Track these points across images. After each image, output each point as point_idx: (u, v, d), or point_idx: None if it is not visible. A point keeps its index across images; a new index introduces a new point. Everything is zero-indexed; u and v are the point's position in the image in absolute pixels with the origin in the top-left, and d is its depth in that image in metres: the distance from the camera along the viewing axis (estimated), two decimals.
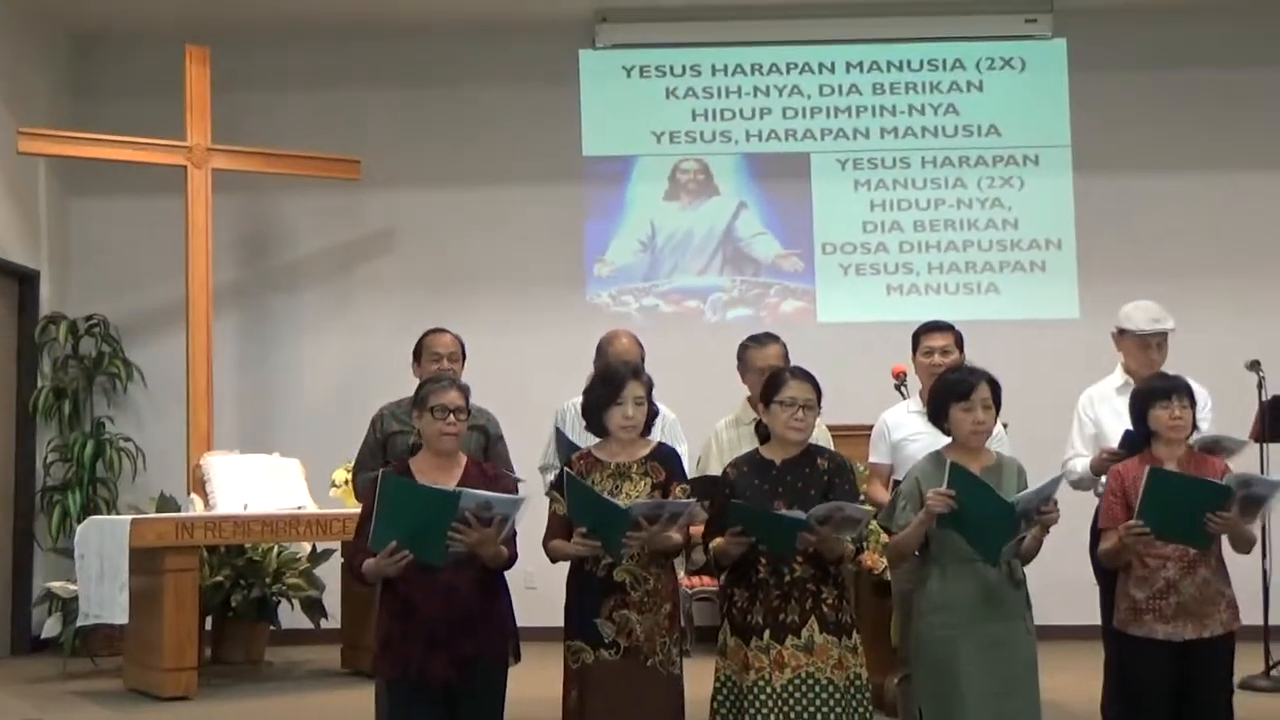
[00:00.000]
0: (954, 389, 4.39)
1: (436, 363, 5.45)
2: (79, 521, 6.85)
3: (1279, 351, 6.57)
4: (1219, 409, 5.18)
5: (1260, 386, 6.36)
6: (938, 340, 5.27)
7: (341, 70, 8.63)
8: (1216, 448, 4.67)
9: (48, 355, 8.35)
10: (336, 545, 7.18)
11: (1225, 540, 4.36)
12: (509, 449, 5.48)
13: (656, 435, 4.84)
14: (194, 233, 7.75)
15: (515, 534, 4.28)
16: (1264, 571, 5.99)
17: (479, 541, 4.12)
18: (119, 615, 6.16)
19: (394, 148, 8.51)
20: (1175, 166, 8.45)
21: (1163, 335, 5.28)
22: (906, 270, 8.55)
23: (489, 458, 5.30)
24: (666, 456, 4.48)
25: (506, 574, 4.40)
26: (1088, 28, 8.48)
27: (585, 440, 4.77)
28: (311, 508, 6.96)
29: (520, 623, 4.48)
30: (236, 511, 6.68)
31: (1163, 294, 5.64)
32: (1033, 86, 8.63)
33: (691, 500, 4.32)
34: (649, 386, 4.50)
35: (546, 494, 4.77)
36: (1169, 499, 4.22)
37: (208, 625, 7.24)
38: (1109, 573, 4.77)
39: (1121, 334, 5.37)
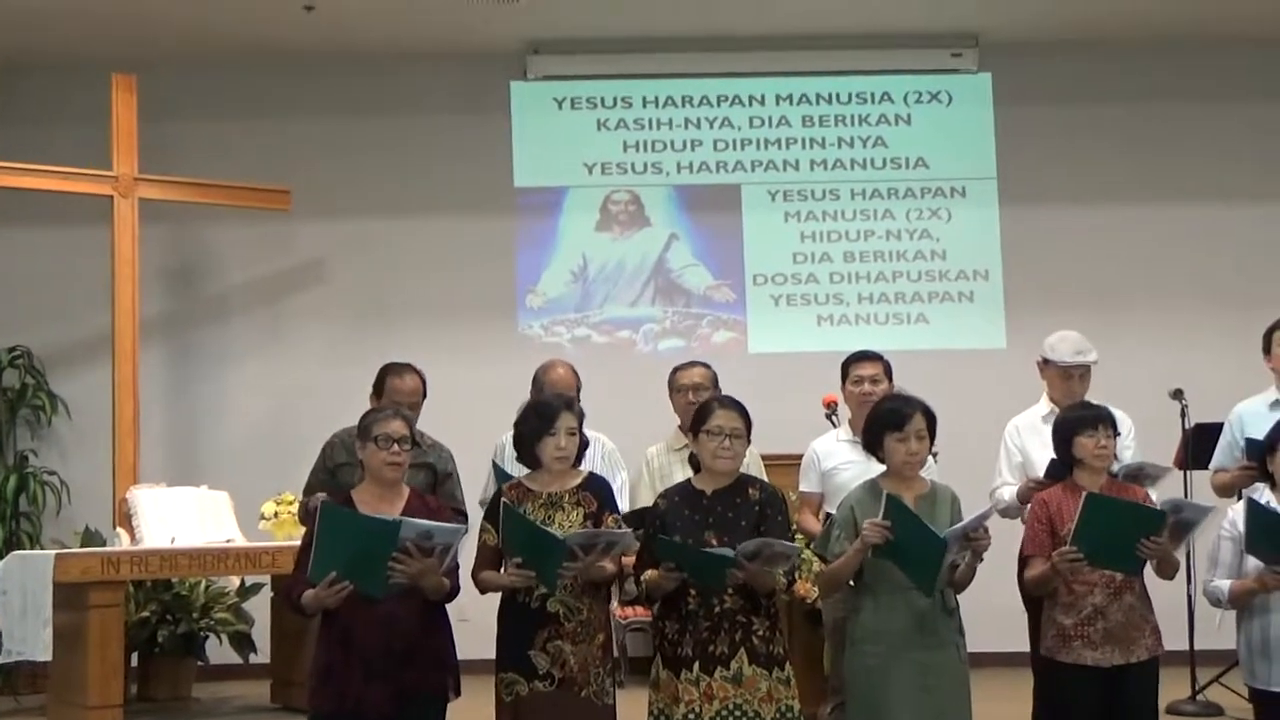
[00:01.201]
0: (888, 419, 4.42)
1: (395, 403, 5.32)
2: (1, 556, 6.72)
3: (1201, 380, 6.67)
4: (1142, 437, 5.26)
5: (1183, 415, 6.46)
6: (867, 369, 5.33)
7: (271, 99, 8.59)
8: (1140, 475, 4.74)
9: None
10: (266, 579, 7.11)
11: (1150, 567, 4.43)
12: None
13: (596, 465, 4.87)
14: (120, 263, 7.66)
15: (458, 566, 4.26)
16: (1189, 596, 6.09)
17: (420, 572, 4.10)
18: (42, 652, 6.06)
19: (324, 177, 8.46)
20: (1100, 198, 8.59)
21: (1085, 368, 5.34)
22: (837, 301, 8.61)
23: (439, 493, 5.26)
24: (598, 486, 4.49)
25: (446, 606, 4.39)
26: (1012, 62, 8.61)
27: (522, 472, 4.76)
28: (240, 541, 6.89)
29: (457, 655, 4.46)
30: (163, 545, 6.59)
31: (1088, 323, 5.75)
32: (959, 120, 8.74)
33: (627, 530, 4.33)
34: (581, 418, 4.51)
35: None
36: (1104, 525, 4.26)
37: (134, 661, 7.13)
38: (1037, 600, 4.82)
39: (1045, 364, 5.43)
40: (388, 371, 5.57)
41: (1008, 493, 5.25)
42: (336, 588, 4.04)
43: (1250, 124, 8.62)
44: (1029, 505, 5.09)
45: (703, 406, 4.56)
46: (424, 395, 5.55)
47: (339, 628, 4.18)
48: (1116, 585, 4.40)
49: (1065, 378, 5.35)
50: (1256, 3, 7.99)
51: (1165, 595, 4.62)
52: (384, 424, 4.34)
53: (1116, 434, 4.56)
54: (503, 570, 4.31)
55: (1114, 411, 4.66)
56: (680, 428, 5.41)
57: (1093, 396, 5.10)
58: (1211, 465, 5.46)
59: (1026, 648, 5.16)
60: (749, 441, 4.52)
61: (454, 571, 4.25)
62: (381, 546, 4.04)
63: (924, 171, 8.73)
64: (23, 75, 8.53)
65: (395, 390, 5.47)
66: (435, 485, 5.35)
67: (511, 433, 4.62)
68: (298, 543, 4.52)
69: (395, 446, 4.31)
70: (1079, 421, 4.55)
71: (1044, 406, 5.42)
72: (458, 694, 4.39)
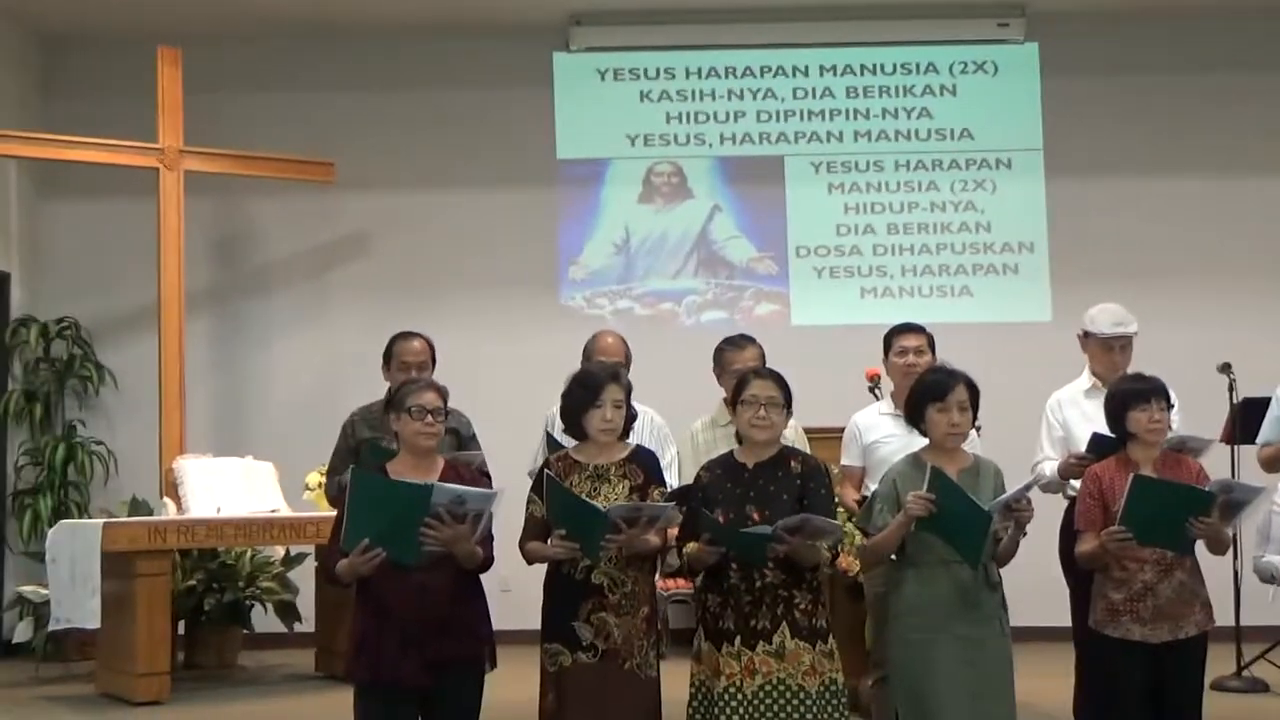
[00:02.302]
0: (931, 390, 4.41)
1: (405, 372, 5.43)
2: (50, 525, 6.82)
3: (1249, 354, 6.61)
4: (1191, 411, 5.22)
5: (1231, 389, 6.41)
6: (910, 341, 5.31)
7: (316, 73, 8.62)
8: (1183, 447, 4.70)
9: (18, 358, 8.31)
10: (310, 548, 7.18)
11: (1200, 542, 4.40)
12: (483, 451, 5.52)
13: (644, 439, 4.87)
14: (166, 235, 7.72)
15: (492, 537, 4.28)
16: (1235, 572, 6.04)
17: (453, 539, 4.11)
18: (91, 620, 6.14)
19: (368, 151, 8.50)
20: (1146, 170, 8.52)
21: (1126, 339, 5.32)
22: (880, 273, 8.59)
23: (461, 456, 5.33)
24: (644, 459, 4.49)
25: (481, 578, 4.41)
26: (1060, 32, 8.54)
27: (572, 444, 4.76)
28: (285, 511, 6.95)
29: (495, 626, 4.47)
30: (209, 515, 6.66)
31: (1134, 297, 5.71)
32: (1005, 90, 8.69)
33: (669, 504, 4.33)
34: (628, 390, 4.51)
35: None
36: (1152, 505, 4.24)
37: (180, 630, 7.22)
38: (1080, 575, 4.81)
39: (1086, 337, 5.42)
40: (395, 339, 5.64)
41: (1049, 468, 5.23)
42: (369, 555, 4.06)
43: None
44: (1069, 480, 5.10)
45: (741, 378, 4.56)
46: (433, 360, 5.60)
47: (373, 597, 4.21)
48: (1168, 562, 4.38)
49: (1106, 349, 5.33)
50: None
51: (1211, 571, 4.58)
52: (417, 395, 4.35)
53: (1171, 406, 4.53)
54: (549, 542, 4.33)
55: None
56: (725, 402, 5.39)
57: (1138, 369, 5.07)
58: (1259, 439, 5.42)
59: (1064, 622, 5.17)
60: (789, 412, 4.51)
61: (488, 541, 4.26)
62: (413, 512, 4.05)
63: (969, 143, 8.68)
64: (70, 49, 8.60)
65: (402, 353, 5.55)
66: (460, 446, 5.41)
67: (559, 404, 4.64)
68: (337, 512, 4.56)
69: (429, 417, 4.32)
70: (1132, 395, 4.51)
71: (1086, 380, 5.40)
72: (493, 665, 4.39)
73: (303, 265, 8.67)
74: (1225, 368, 6.48)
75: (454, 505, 4.08)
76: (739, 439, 4.55)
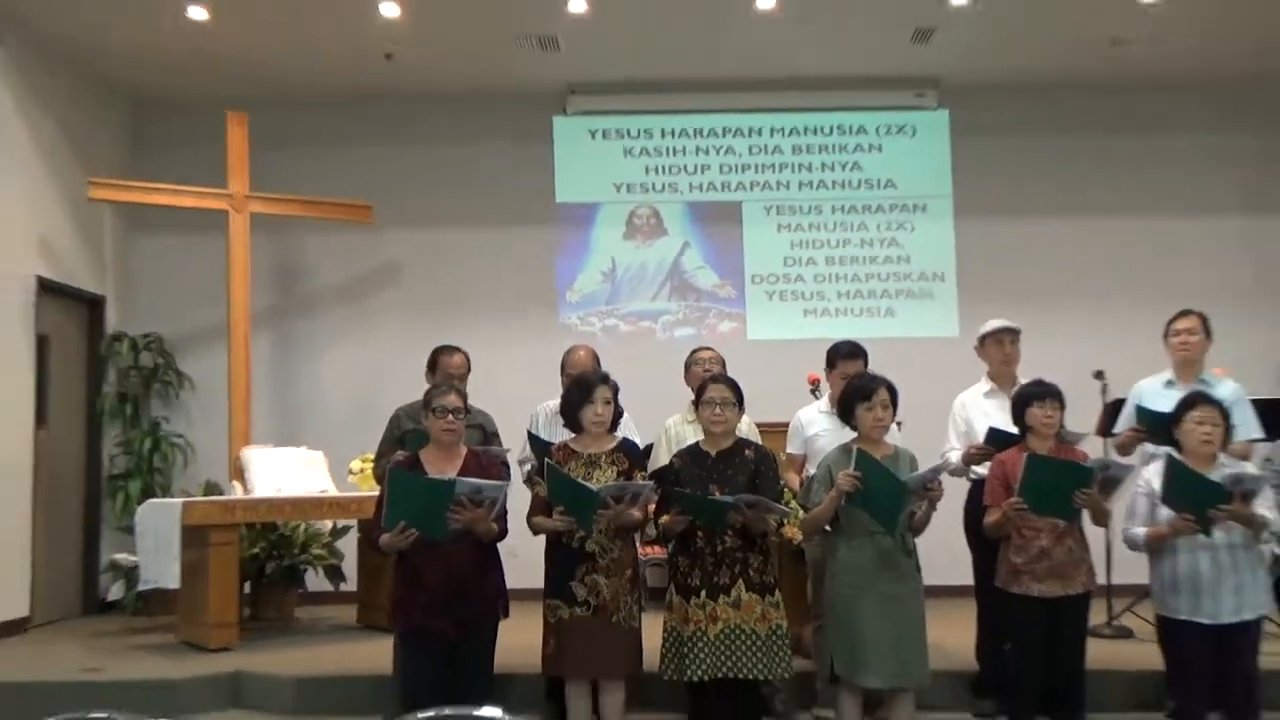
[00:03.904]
0: (859, 391, 4.49)
1: (447, 380, 5.45)
2: (139, 504, 6.82)
3: (1117, 362, 6.67)
4: (1070, 410, 5.27)
5: (1103, 391, 6.46)
6: (853, 367, 5.33)
7: (357, 131, 8.62)
8: (1107, 469, 4.71)
9: (113, 367, 8.28)
10: (354, 522, 7.19)
11: (1087, 516, 4.46)
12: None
13: (625, 431, 4.91)
14: (234, 265, 7.73)
15: (506, 513, 4.33)
16: (1106, 542, 6.09)
17: (473, 520, 4.17)
18: (172, 581, 6.13)
19: (400, 196, 8.50)
20: (1037, 213, 8.56)
21: (1012, 331, 5.38)
22: (820, 297, 8.63)
23: (487, 447, 5.36)
24: (629, 449, 4.56)
25: (497, 547, 4.46)
26: (966, 101, 8.58)
27: (555, 436, 4.82)
28: (333, 491, 6.96)
29: (508, 584, 4.52)
30: (270, 495, 6.66)
31: (1027, 316, 5.76)
32: (922, 148, 8.72)
33: (649, 484, 4.39)
34: (615, 390, 4.57)
35: (525, 481, 4.83)
36: (1043, 480, 4.30)
37: (246, 589, 7.22)
38: (983, 542, 4.86)
39: (982, 343, 5.47)
40: (440, 352, 5.68)
41: (955, 456, 5.26)
42: (406, 534, 4.12)
43: (1159, 154, 8.58)
44: (971, 465, 5.16)
45: (701, 383, 4.63)
46: (469, 369, 5.66)
47: (409, 566, 4.27)
48: (1059, 531, 4.44)
49: (996, 343, 5.38)
50: (1163, 58, 7.97)
51: (1089, 540, 4.64)
52: (441, 398, 4.41)
53: (1063, 407, 4.59)
54: (551, 516, 4.37)
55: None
56: (694, 402, 5.43)
57: (1027, 374, 5.13)
58: (1115, 429, 5.50)
59: (971, 582, 5.23)
60: (741, 409, 4.58)
61: (502, 517, 4.32)
62: (441, 501, 4.12)
63: (892, 191, 8.72)
64: (155, 111, 8.59)
65: (447, 365, 5.59)
66: (485, 441, 5.45)
67: (545, 403, 4.69)
68: (378, 494, 4.60)
69: (450, 416, 4.37)
70: (1031, 395, 4.60)
71: (985, 385, 5.44)
72: (506, 615, 4.45)
73: (346, 290, 8.67)
74: (1099, 374, 6.50)
75: (473, 494, 4.14)
76: (704, 431, 4.61)
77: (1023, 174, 8.60)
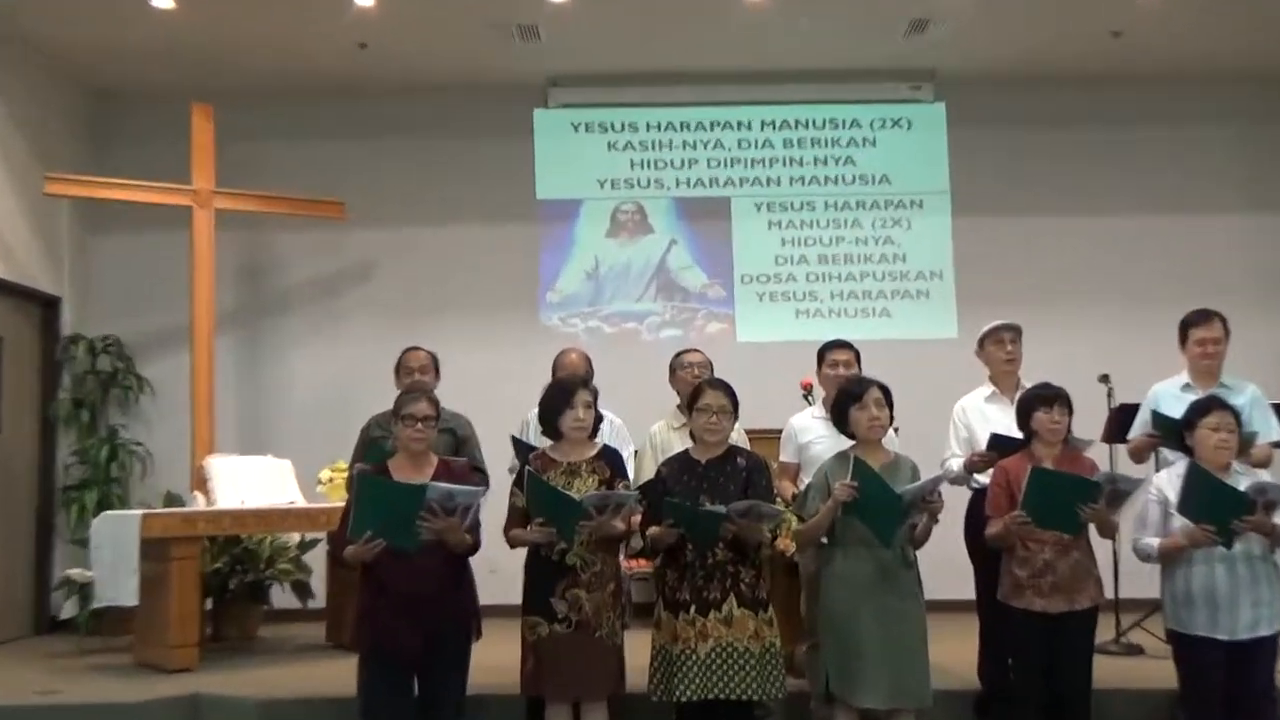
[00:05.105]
0: (849, 394, 4.46)
1: (409, 376, 5.60)
2: (95, 516, 6.71)
3: (1124, 364, 6.64)
4: (1076, 415, 5.21)
5: (1109, 396, 6.43)
6: (840, 355, 5.30)
7: (329, 124, 8.55)
8: (1114, 484, 4.65)
9: (68, 371, 8.17)
10: (322, 535, 7.09)
11: (1093, 526, 4.40)
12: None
13: (606, 438, 4.86)
14: (198, 264, 7.64)
15: (479, 524, 4.25)
16: (1114, 553, 6.04)
17: (444, 529, 4.11)
18: (130, 598, 6.03)
19: (374, 191, 8.43)
20: (1038, 210, 8.54)
21: (1014, 329, 5.33)
22: (812, 297, 8.58)
23: (460, 453, 5.32)
24: (611, 457, 4.50)
25: (471, 560, 4.38)
26: (963, 94, 8.56)
27: (544, 445, 4.73)
28: (300, 502, 6.87)
29: (483, 601, 4.46)
30: (234, 506, 6.58)
31: (1028, 317, 5.70)
32: (917, 142, 8.70)
33: (633, 493, 4.34)
34: (595, 395, 4.51)
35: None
36: (1048, 493, 4.25)
37: (208, 606, 7.12)
38: (984, 556, 4.81)
39: (982, 345, 5.42)
40: (404, 352, 5.81)
41: (956, 464, 5.22)
42: (372, 544, 4.06)
43: (1165, 147, 8.57)
44: (973, 474, 5.09)
45: (696, 388, 4.59)
46: (436, 367, 5.73)
47: (375, 577, 4.21)
48: (1064, 543, 4.39)
49: (998, 343, 5.33)
50: (1168, 48, 7.94)
51: (1095, 549, 4.58)
52: (409, 405, 4.37)
53: (1071, 411, 4.52)
54: (529, 529, 4.30)
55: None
56: (679, 407, 5.39)
57: (1029, 378, 5.07)
58: (1128, 436, 5.45)
59: (973, 596, 5.17)
60: (736, 417, 4.53)
61: (475, 528, 4.26)
62: (410, 508, 4.06)
63: (887, 186, 8.69)
64: (116, 103, 8.50)
65: (408, 360, 5.72)
66: (457, 447, 5.44)
67: (535, 410, 4.62)
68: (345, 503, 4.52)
69: (419, 425, 4.32)
70: (1037, 399, 4.54)
71: (986, 389, 5.40)
72: (478, 636, 4.39)
73: (316, 290, 8.58)
74: (1104, 378, 6.49)
75: (445, 501, 4.08)
76: (693, 438, 4.54)
77: (1023, 168, 8.58)
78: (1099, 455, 5.05)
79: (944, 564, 5.14)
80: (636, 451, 5.54)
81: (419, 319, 8.18)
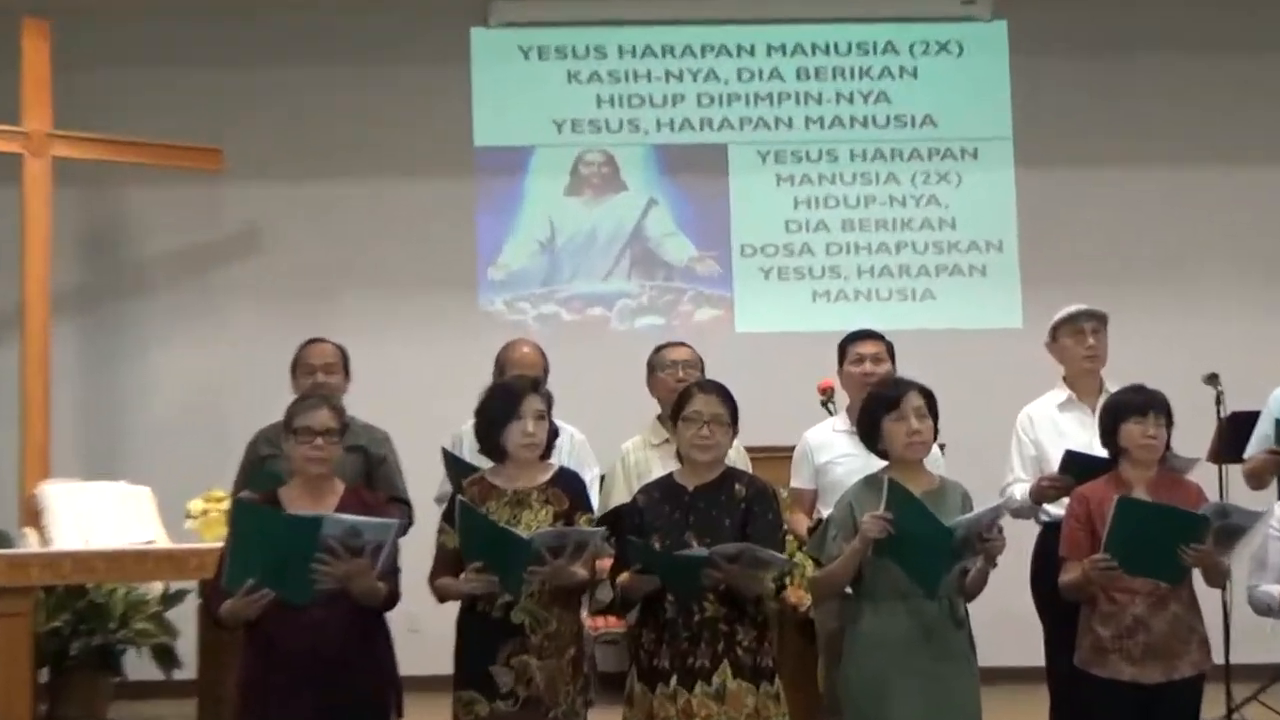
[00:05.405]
0: (882, 401, 4.44)
1: (310, 376, 5.54)
2: None
3: (1238, 363, 6.67)
4: (1176, 426, 5.26)
5: (1219, 402, 6.45)
6: (867, 348, 5.32)
7: (202, 48, 8.50)
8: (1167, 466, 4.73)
9: None
10: (193, 585, 7.06)
11: (1197, 573, 4.42)
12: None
13: (562, 458, 4.85)
14: (31, 228, 7.59)
15: (398, 569, 4.25)
16: (1225, 605, 6.08)
17: (349, 574, 4.09)
18: None
19: (260, 135, 8.41)
20: (1129, 161, 8.58)
21: (1098, 317, 5.35)
22: (834, 275, 8.61)
23: (373, 483, 5.29)
24: (570, 482, 4.48)
25: (388, 616, 4.37)
26: (1031, 8, 8.60)
27: (485, 465, 4.73)
28: (163, 542, 6.80)
29: (403, 670, 4.45)
30: (77, 547, 6.52)
31: (1114, 301, 5.74)
32: (971, 73, 8.75)
33: (599, 529, 4.32)
34: (549, 401, 4.50)
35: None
36: (1139, 530, 4.26)
37: (43, 677, 7.08)
38: (1057, 610, 4.82)
39: (1055, 336, 5.44)
40: (302, 345, 5.73)
41: (1019, 490, 5.24)
42: (255, 596, 4.04)
43: None
44: (1042, 504, 5.12)
45: (683, 391, 4.58)
46: (344, 366, 5.67)
47: (261, 639, 4.19)
48: (1161, 594, 4.40)
49: (1076, 334, 5.35)
50: None
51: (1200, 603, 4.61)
52: (305, 415, 4.34)
53: (1170, 423, 4.55)
54: (463, 576, 4.29)
55: None
56: (659, 418, 5.39)
57: (1116, 378, 5.10)
58: (1245, 454, 5.49)
59: (1043, 662, 5.19)
60: (735, 430, 4.52)
61: (392, 574, 4.24)
62: (303, 546, 4.03)
63: (932, 130, 8.73)
64: None
65: (308, 356, 5.64)
66: (370, 472, 5.40)
67: (471, 422, 4.62)
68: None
69: (318, 440, 4.30)
70: (1127, 406, 4.54)
71: (1059, 393, 5.42)
72: (399, 714, 4.37)
73: (186, 263, 8.56)
74: (1212, 379, 6.52)
75: (349, 537, 4.06)
76: (679, 458, 4.54)
77: (1111, 108, 8.62)
78: (1206, 479, 5.08)
79: (1005, 621, 5.16)
80: (604, 476, 5.54)
81: (321, 303, 8.18)
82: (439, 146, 8.54)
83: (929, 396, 4.45)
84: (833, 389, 5.72)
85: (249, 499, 4.42)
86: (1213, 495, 4.82)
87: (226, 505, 6.26)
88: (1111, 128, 8.61)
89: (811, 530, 4.95)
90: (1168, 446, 4.57)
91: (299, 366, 5.66)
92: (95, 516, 6.76)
